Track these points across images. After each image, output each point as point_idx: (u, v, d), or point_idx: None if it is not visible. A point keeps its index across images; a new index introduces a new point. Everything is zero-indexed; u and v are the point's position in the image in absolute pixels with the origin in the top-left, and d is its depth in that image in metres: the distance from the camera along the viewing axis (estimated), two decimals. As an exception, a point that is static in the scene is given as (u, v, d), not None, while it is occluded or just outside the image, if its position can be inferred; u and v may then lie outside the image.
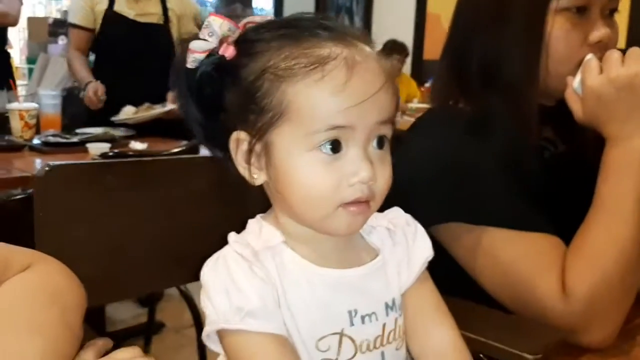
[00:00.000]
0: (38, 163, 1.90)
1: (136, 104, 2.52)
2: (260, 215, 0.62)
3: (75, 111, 2.80)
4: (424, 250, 0.64)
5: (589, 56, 0.82)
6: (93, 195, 0.68)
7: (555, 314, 0.75)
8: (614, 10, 0.88)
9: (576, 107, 0.82)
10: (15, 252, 0.58)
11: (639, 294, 0.83)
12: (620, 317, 0.77)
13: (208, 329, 0.56)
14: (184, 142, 2.13)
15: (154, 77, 2.62)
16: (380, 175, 0.56)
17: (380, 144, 0.56)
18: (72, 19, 2.66)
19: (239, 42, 0.57)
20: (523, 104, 0.86)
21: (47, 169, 0.63)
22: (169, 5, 2.67)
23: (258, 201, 0.86)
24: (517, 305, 0.79)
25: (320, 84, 0.53)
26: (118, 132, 2.29)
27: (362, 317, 0.59)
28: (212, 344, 0.59)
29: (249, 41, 0.57)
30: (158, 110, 2.45)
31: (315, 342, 0.57)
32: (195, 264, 0.84)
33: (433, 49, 4.91)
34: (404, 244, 0.63)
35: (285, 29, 0.56)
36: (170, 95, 2.54)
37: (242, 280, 0.54)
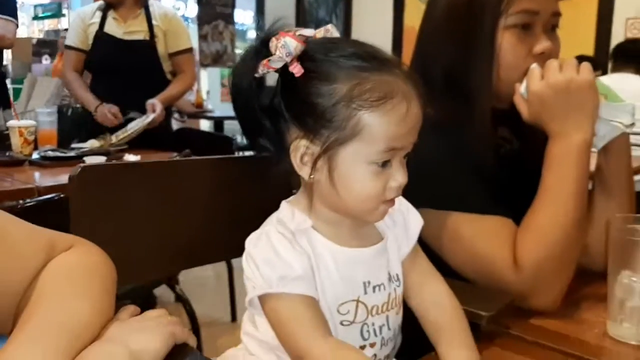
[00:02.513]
0: (38, 176, 2.00)
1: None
2: (288, 201, 0.75)
3: (64, 127, 2.92)
4: (417, 222, 0.79)
5: (533, 65, 0.95)
6: (117, 191, 0.81)
7: (508, 283, 0.88)
8: (555, 25, 1.02)
9: (523, 109, 0.96)
10: (59, 235, 0.70)
11: (583, 269, 0.97)
12: (562, 286, 0.90)
13: (252, 294, 0.69)
14: (174, 154, 2.26)
15: (143, 90, 2.78)
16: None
17: (406, 155, 0.70)
18: (68, 42, 2.81)
19: (304, 60, 0.67)
20: (480, 108, 0.99)
21: (79, 169, 0.76)
22: (154, 22, 2.80)
23: (251, 199, 1.00)
24: (478, 277, 0.92)
25: (389, 114, 0.65)
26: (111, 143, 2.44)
27: (374, 287, 0.73)
28: (253, 308, 0.72)
29: (315, 64, 0.67)
30: (143, 123, 2.59)
31: (337, 306, 0.71)
32: (197, 252, 0.97)
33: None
34: (401, 222, 0.78)
35: (351, 59, 0.66)
36: (149, 104, 2.69)
37: (286, 253, 0.67)
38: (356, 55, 0.67)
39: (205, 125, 5.94)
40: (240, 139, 3.25)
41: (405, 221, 0.78)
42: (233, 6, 6.17)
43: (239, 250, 0.72)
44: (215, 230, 0.96)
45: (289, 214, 0.72)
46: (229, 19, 6.13)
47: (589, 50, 4.35)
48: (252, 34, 9.69)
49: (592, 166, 0.97)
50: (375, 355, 0.74)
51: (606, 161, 1.00)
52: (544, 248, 0.88)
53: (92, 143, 2.47)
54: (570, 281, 0.92)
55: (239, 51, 7.76)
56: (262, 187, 1.01)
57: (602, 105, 0.93)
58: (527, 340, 0.79)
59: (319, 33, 0.70)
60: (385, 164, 0.67)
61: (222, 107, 7.80)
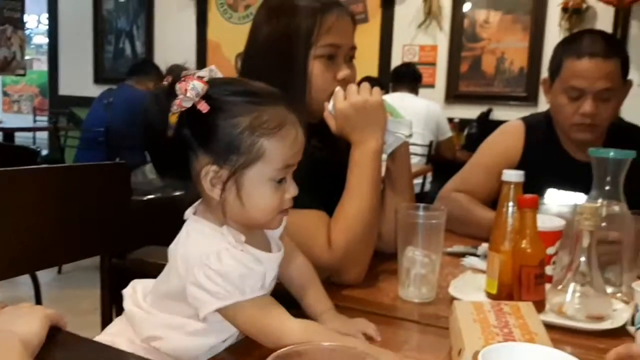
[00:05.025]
0: None
1: None
2: (202, 223, 0.84)
3: None
4: None
5: (338, 88, 1.19)
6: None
7: (325, 262, 1.09)
8: (352, 57, 1.27)
9: (331, 123, 1.19)
10: None
11: (378, 252, 1.22)
12: (365, 263, 1.14)
13: (219, 304, 0.78)
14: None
15: None
16: None
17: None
18: None
19: (208, 99, 0.78)
20: None
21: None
22: None
23: (84, 203, 1.09)
24: (303, 259, 1.12)
25: (284, 139, 0.81)
26: None
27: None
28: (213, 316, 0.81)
29: (219, 101, 0.79)
30: None
31: None
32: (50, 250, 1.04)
33: (215, 75, 5.23)
34: None
35: (247, 96, 0.81)
36: None
37: (256, 266, 0.81)
38: (247, 92, 0.82)
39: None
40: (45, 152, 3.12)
41: None
42: (22, 11, 5.74)
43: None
44: (57, 235, 1.03)
45: (224, 231, 0.83)
46: (17, 24, 5.69)
47: (374, 72, 4.94)
48: (40, 39, 8.97)
49: (383, 172, 1.24)
50: None
51: (393, 164, 1.28)
52: (351, 233, 1.11)
53: None
54: (370, 260, 1.16)
55: (28, 57, 7.22)
56: (98, 194, 1.11)
57: (389, 121, 1.20)
58: (340, 306, 1.00)
59: (205, 73, 0.81)
60: (281, 180, 0.83)
61: (6, 117, 7.18)
